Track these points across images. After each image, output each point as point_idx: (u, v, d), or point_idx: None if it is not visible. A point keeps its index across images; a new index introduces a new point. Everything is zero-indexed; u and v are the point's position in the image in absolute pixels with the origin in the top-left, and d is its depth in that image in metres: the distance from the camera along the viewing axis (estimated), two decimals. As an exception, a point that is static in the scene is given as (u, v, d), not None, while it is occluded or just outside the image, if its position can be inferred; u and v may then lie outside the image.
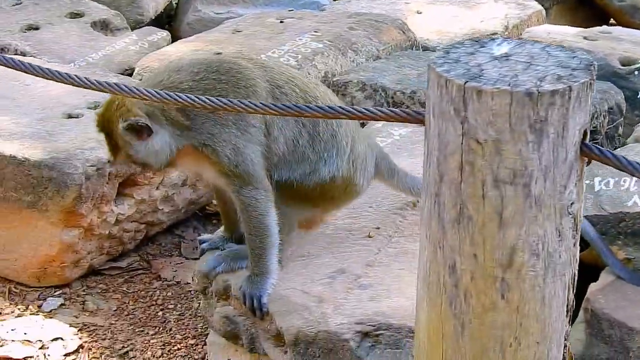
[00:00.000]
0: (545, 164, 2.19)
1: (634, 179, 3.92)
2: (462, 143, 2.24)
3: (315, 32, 5.69)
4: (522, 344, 2.35)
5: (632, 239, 3.81)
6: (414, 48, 5.97)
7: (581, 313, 3.63)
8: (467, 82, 2.17)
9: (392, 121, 2.48)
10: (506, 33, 6.73)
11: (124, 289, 4.34)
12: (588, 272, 3.94)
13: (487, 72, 2.21)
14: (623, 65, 5.69)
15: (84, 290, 4.29)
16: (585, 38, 6.14)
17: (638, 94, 5.49)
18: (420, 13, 6.79)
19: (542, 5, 7.10)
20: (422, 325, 2.51)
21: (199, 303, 4.28)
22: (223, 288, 3.49)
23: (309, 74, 5.19)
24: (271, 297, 3.35)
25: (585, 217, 3.83)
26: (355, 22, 5.90)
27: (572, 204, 2.29)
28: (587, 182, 4.00)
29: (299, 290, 3.37)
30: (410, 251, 3.56)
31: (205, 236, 3.76)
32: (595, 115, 4.73)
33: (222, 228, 3.74)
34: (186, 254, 4.65)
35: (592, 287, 3.69)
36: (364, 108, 2.51)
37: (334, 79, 5.19)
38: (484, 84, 2.15)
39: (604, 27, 6.48)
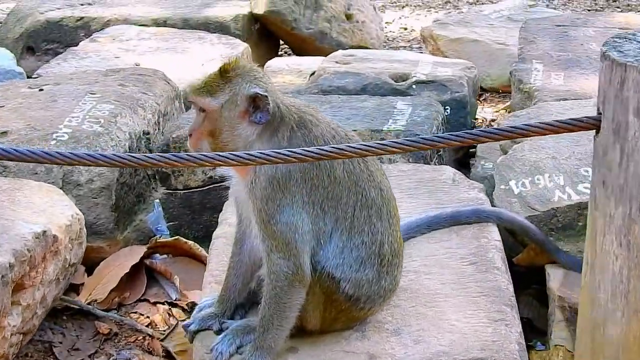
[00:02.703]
0: None
1: (546, 175, 4.03)
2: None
3: (92, 93, 5.20)
4: None
5: (563, 232, 3.90)
6: (177, 98, 5.68)
7: (558, 313, 3.65)
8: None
9: (567, 131, 2.34)
10: (229, 72, 6.63)
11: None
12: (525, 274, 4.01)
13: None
14: (395, 81, 5.83)
15: None
16: (337, 62, 6.23)
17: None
18: (139, 64, 6.50)
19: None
20: None
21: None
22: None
23: (118, 136, 4.76)
24: (315, 366, 3.00)
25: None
26: (120, 78, 5.49)
27: None
28: (503, 187, 4.04)
29: (340, 351, 3.05)
30: (401, 287, 3.36)
31: (188, 320, 3.27)
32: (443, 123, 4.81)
33: (205, 302, 3.28)
34: (62, 358, 4.02)
35: (553, 284, 3.74)
36: (528, 125, 2.35)
37: (173, 136, 4.80)
38: None
39: (345, 52, 6.61)
